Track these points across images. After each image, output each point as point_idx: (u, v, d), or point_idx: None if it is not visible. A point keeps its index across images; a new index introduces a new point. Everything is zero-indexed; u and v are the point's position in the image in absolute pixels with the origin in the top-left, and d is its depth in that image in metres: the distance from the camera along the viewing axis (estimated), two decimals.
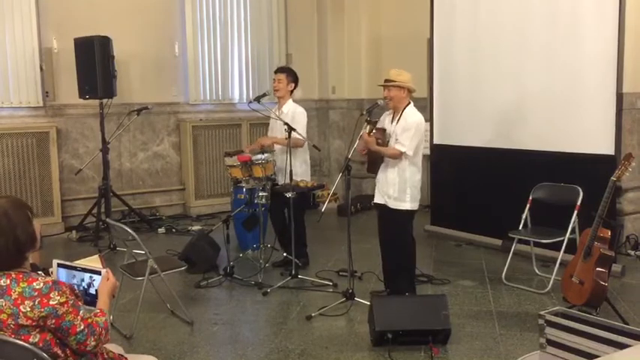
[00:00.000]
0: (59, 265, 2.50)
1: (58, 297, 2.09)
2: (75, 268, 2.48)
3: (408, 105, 4.40)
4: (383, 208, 4.50)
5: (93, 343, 2.18)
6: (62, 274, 2.48)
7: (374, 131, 4.32)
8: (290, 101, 5.42)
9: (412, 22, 7.68)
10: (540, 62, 5.60)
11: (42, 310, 2.06)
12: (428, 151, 6.58)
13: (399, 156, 4.31)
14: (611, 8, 5.05)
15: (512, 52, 5.82)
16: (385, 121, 4.51)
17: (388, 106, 4.44)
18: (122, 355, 2.47)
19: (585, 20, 5.28)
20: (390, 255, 4.57)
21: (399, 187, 4.37)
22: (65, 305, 2.09)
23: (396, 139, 4.32)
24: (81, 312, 2.15)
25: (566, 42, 5.41)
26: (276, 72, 5.52)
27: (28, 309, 2.06)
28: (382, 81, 4.45)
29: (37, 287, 2.09)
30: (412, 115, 4.37)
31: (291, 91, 5.44)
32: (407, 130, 4.29)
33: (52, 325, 2.09)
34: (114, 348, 2.53)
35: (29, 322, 2.07)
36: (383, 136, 4.40)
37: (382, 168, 4.47)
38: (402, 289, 4.44)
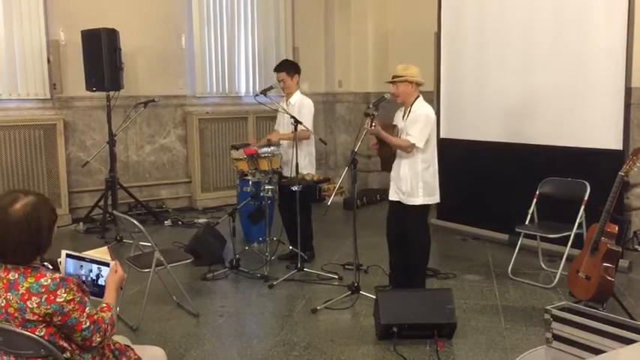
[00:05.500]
0: (67, 256, 2.51)
1: (65, 294, 2.08)
2: (83, 259, 2.48)
3: (417, 99, 4.36)
4: (398, 206, 4.43)
5: (98, 340, 2.18)
6: (70, 265, 2.49)
7: (374, 125, 4.22)
8: (297, 92, 5.43)
9: (419, 15, 7.65)
10: (548, 56, 5.57)
11: (48, 307, 2.06)
12: None
13: (409, 147, 4.25)
14: (620, 2, 5.01)
15: (520, 46, 5.79)
16: (398, 118, 4.47)
17: (397, 101, 4.41)
18: (129, 347, 2.48)
19: (594, 14, 5.24)
20: (402, 251, 4.51)
21: (412, 183, 4.31)
22: (72, 303, 2.09)
23: (406, 133, 4.29)
24: (87, 309, 2.15)
25: (574, 36, 5.38)
26: (275, 71, 5.44)
27: (35, 305, 2.06)
28: (389, 74, 4.42)
29: (45, 284, 2.09)
30: (420, 107, 4.32)
31: (297, 82, 5.44)
32: (415, 122, 4.24)
33: (58, 322, 2.10)
34: (120, 339, 2.54)
35: (35, 317, 2.07)
36: (393, 132, 4.36)
37: (395, 164, 4.42)
38: (414, 287, 4.41)
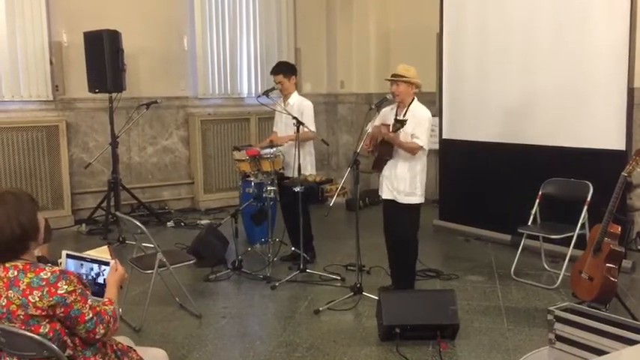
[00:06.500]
0: (68, 256, 2.52)
1: (66, 286, 2.10)
2: (84, 259, 2.49)
3: (413, 100, 4.40)
4: (392, 204, 4.48)
5: (102, 331, 2.19)
6: (70, 265, 2.50)
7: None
8: (295, 93, 5.41)
9: (421, 16, 7.65)
10: (550, 57, 5.56)
11: (51, 299, 2.08)
12: (437, 146, 6.57)
13: (417, 150, 4.30)
14: (621, 1, 5.00)
15: (522, 46, 5.78)
16: (389, 116, 4.46)
17: (395, 100, 4.43)
18: (131, 348, 2.49)
19: (595, 14, 5.23)
20: (398, 249, 4.56)
21: (410, 182, 4.36)
22: (73, 294, 2.11)
23: (412, 135, 4.30)
24: (89, 300, 2.17)
25: (576, 36, 5.37)
26: (272, 74, 5.39)
27: (37, 299, 2.07)
28: (390, 75, 4.43)
29: (45, 277, 2.10)
30: (420, 109, 4.37)
31: (294, 83, 5.43)
32: (420, 125, 4.29)
33: (61, 314, 2.11)
34: (123, 340, 2.55)
35: (39, 312, 2.08)
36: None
37: (390, 163, 4.45)
38: (406, 285, 4.47)
